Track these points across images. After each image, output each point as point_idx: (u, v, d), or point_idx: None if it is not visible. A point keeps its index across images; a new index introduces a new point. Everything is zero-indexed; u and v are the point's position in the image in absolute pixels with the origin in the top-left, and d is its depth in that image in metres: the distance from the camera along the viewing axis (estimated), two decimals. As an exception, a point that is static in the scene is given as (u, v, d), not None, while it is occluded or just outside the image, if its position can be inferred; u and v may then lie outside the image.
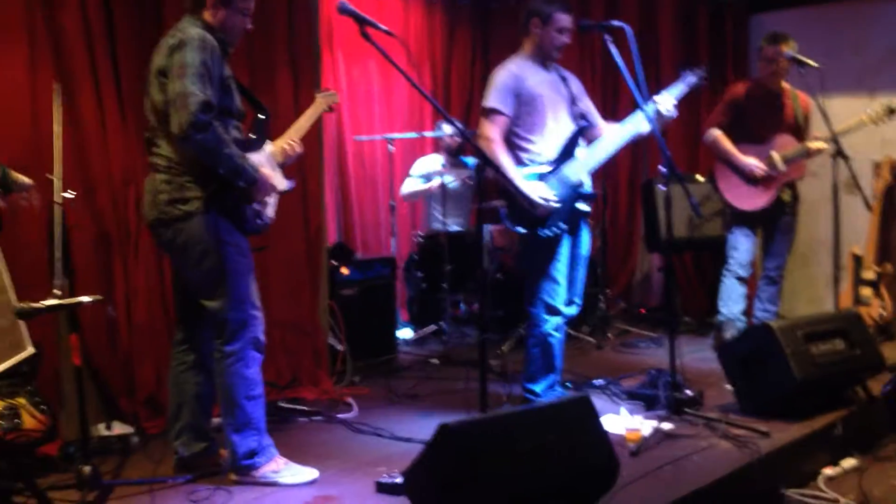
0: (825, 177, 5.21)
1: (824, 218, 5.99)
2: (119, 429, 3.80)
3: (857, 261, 5.64)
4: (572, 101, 4.14)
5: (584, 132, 4.09)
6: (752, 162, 4.97)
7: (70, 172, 3.70)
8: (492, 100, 3.97)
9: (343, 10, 3.15)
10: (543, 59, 4.07)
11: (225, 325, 3.21)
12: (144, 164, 4.04)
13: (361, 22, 3.14)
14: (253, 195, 3.24)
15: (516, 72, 4.00)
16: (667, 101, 4.01)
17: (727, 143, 5.06)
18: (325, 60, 5.72)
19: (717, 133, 5.08)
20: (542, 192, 3.87)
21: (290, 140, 3.55)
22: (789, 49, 4.88)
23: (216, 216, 3.14)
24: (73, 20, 3.88)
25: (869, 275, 5.56)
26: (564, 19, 3.98)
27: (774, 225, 5.13)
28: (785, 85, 5.06)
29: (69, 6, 3.87)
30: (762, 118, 5.05)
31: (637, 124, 4.03)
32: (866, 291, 5.54)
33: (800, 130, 5.07)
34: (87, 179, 3.95)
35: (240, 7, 3.23)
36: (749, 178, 5.02)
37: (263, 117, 3.43)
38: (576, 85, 4.20)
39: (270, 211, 3.40)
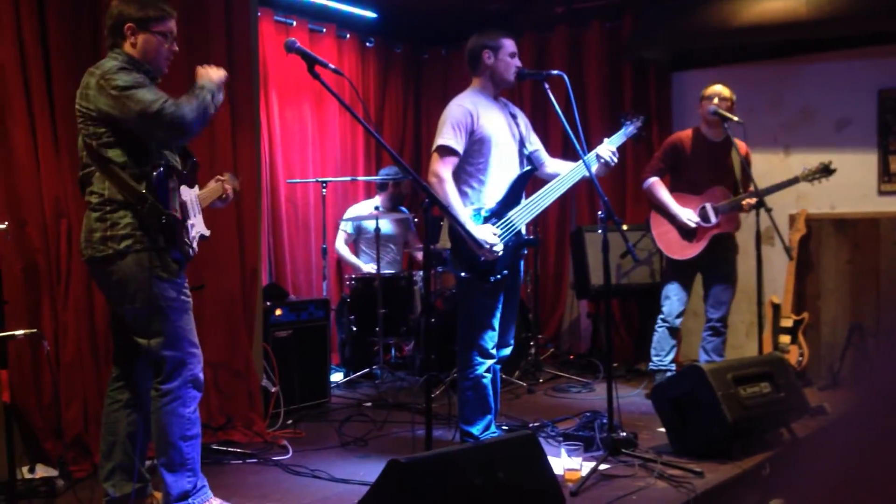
0: (745, 228, 5.42)
1: (743, 268, 6.22)
2: (43, 471, 3.65)
3: (776, 309, 5.84)
4: (522, 143, 4.20)
5: (529, 175, 4.14)
6: (686, 214, 5.08)
7: (1, 204, 3.59)
8: (445, 137, 3.95)
9: (291, 49, 3.17)
10: (496, 91, 4.14)
11: (162, 363, 3.14)
12: (77, 198, 4.00)
13: (310, 60, 3.17)
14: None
15: (470, 108, 4.00)
16: (607, 150, 4.14)
17: (664, 192, 5.16)
18: (260, 102, 5.71)
19: (654, 180, 5.19)
20: (490, 237, 3.86)
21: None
22: (712, 104, 5.08)
23: (150, 253, 3.09)
24: (9, 54, 3.81)
25: (787, 323, 5.76)
26: (511, 43, 4.11)
27: (713, 275, 5.19)
28: (724, 135, 5.12)
29: (6, 41, 3.80)
30: (700, 168, 5.15)
31: (579, 171, 4.10)
32: (784, 339, 5.73)
33: (740, 181, 5.13)
34: (18, 212, 3.84)
35: (157, 30, 3.18)
36: (682, 228, 5.13)
37: (195, 160, 3.44)
38: (524, 122, 4.26)
39: (197, 230, 3.37)
